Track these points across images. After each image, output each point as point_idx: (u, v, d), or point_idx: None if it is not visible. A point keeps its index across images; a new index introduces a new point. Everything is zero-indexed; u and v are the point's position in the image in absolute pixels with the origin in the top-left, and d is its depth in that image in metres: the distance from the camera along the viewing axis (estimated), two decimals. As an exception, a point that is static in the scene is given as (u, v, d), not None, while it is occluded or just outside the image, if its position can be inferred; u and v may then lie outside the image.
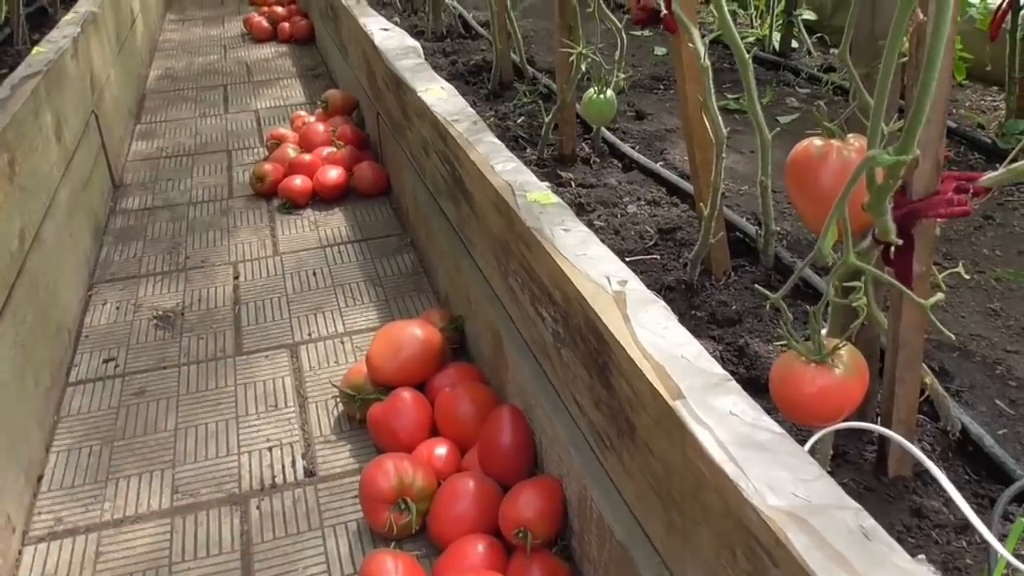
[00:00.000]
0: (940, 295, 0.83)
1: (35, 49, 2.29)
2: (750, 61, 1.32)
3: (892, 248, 0.91)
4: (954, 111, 2.26)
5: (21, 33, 2.96)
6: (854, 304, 0.84)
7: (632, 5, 1.45)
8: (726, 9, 1.32)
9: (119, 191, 2.71)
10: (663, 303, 1.08)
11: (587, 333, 1.12)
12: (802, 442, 0.91)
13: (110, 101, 2.91)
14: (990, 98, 2.30)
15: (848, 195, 0.77)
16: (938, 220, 0.88)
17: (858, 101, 0.88)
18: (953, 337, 0.89)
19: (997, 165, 1.90)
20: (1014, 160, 0.84)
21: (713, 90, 1.36)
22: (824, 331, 1.06)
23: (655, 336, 1.01)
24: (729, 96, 2.34)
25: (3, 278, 1.54)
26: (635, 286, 1.11)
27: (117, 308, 2.05)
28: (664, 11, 1.38)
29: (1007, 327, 1.34)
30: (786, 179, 0.96)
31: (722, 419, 0.87)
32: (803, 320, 1.36)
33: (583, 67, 1.82)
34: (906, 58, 0.92)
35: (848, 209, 0.83)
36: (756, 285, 1.14)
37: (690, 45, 1.35)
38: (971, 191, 0.89)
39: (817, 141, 0.91)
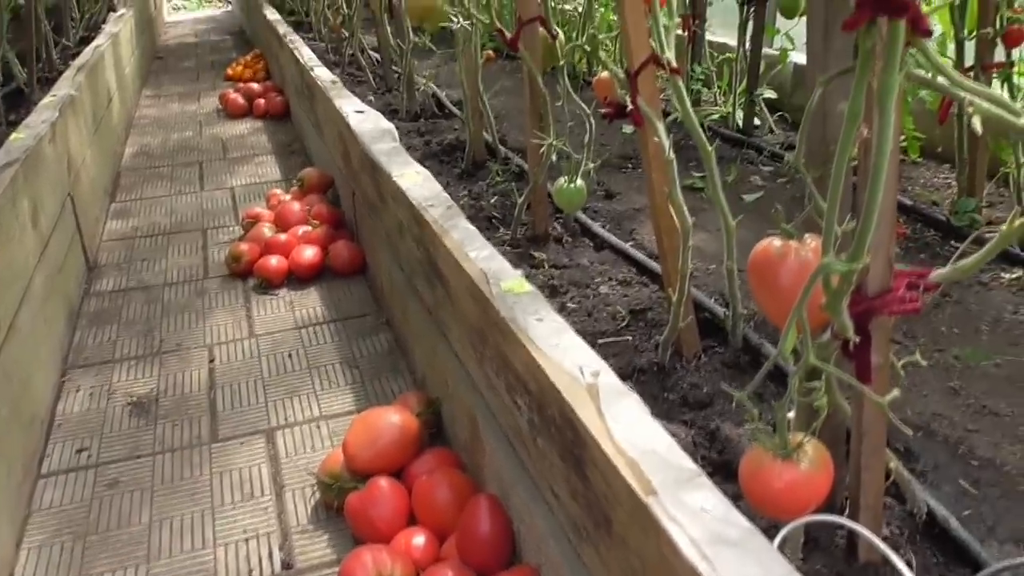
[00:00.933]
0: (895, 392, 0.86)
1: (13, 135, 2.32)
2: (713, 153, 1.38)
3: (851, 342, 0.94)
4: (909, 188, 2.35)
5: (-2, 115, 3.00)
6: (815, 405, 0.87)
7: (601, 101, 1.51)
8: (688, 104, 1.38)
9: (93, 273, 2.71)
10: (636, 395, 1.10)
11: (562, 425, 1.14)
12: (772, 534, 0.93)
13: (86, 182, 2.93)
14: (943, 175, 2.40)
15: (806, 300, 0.81)
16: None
17: (813, 204, 0.93)
18: (910, 432, 0.92)
19: (952, 242, 1.98)
20: (971, 245, 0.89)
21: (678, 179, 1.41)
22: (792, 412, 1.10)
23: (628, 430, 1.03)
24: (695, 175, 2.42)
25: (-24, 373, 1.53)
26: (608, 378, 1.14)
27: (90, 395, 2.03)
28: (630, 106, 1.44)
29: (967, 405, 1.38)
30: (748, 277, 1.01)
31: (694, 516, 0.89)
32: (772, 401, 1.40)
33: (559, 152, 1.88)
34: (856, 162, 0.98)
35: (807, 308, 0.87)
36: (723, 384, 1.17)
37: (655, 139, 1.41)
38: (922, 287, 0.94)
39: (776, 242, 0.96)
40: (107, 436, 1.88)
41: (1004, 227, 0.85)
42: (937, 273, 0.92)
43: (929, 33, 0.72)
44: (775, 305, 0.98)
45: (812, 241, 0.95)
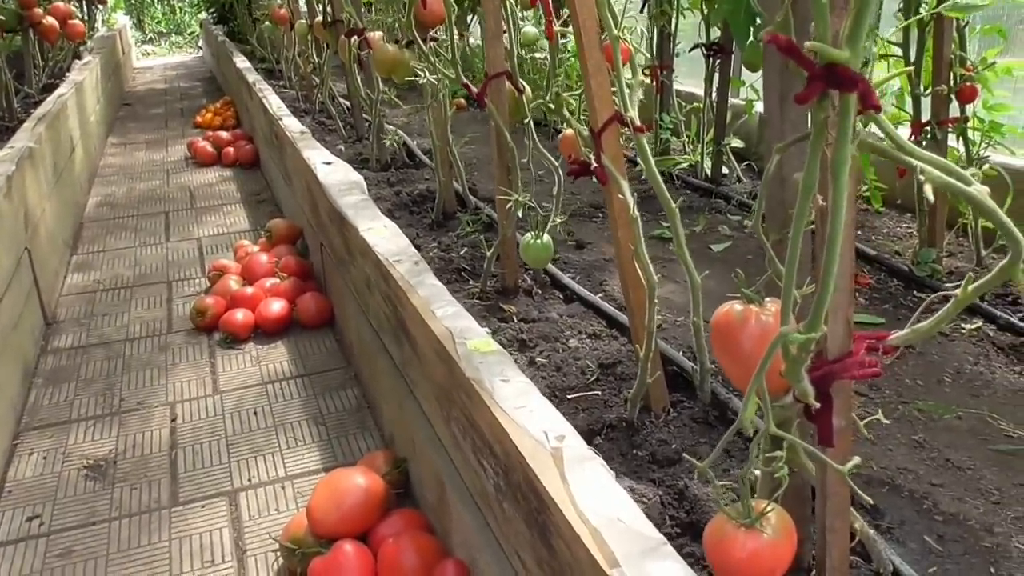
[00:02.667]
0: (855, 460, 0.86)
1: (-31, 190, 2.28)
2: (677, 211, 1.39)
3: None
4: (872, 238, 2.39)
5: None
6: (775, 476, 0.87)
7: (566, 158, 1.52)
8: (652, 162, 1.39)
9: (51, 328, 2.65)
10: (600, 460, 1.09)
11: (527, 491, 1.12)
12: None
13: (45, 235, 2.88)
14: (905, 225, 2.44)
15: (765, 369, 0.81)
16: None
17: (772, 270, 0.94)
18: (871, 502, 0.92)
19: (914, 292, 2.01)
20: (937, 300, 0.89)
21: (642, 236, 1.42)
22: (758, 472, 1.09)
23: (592, 497, 1.02)
24: (664, 224, 2.44)
25: (-78, 440, 1.48)
26: (573, 442, 1.12)
27: (44, 458, 1.97)
28: (595, 164, 1.45)
29: (931, 459, 1.38)
30: (711, 340, 1.00)
31: (661, 588, 0.88)
32: (741, 457, 1.39)
33: (519, 213, 1.89)
34: (813, 226, 0.99)
35: (768, 374, 0.87)
36: (684, 453, 1.17)
37: (619, 196, 1.42)
38: (882, 350, 0.94)
39: (737, 306, 0.96)
40: (60, 502, 1.81)
41: (959, 292, 0.86)
42: (895, 336, 0.93)
43: (878, 108, 0.74)
44: (737, 369, 0.97)
45: (773, 305, 0.95)
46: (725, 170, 2.96)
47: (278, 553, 1.61)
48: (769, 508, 0.89)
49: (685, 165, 3.08)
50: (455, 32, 1.90)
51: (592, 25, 1.41)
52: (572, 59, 3.21)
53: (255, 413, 2.13)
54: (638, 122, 1.38)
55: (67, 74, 4.78)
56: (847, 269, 0.94)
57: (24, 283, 2.47)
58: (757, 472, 1.28)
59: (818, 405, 0.90)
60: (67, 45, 4.98)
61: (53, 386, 2.29)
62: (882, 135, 0.84)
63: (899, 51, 2.08)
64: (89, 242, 3.47)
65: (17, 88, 4.07)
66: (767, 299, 0.97)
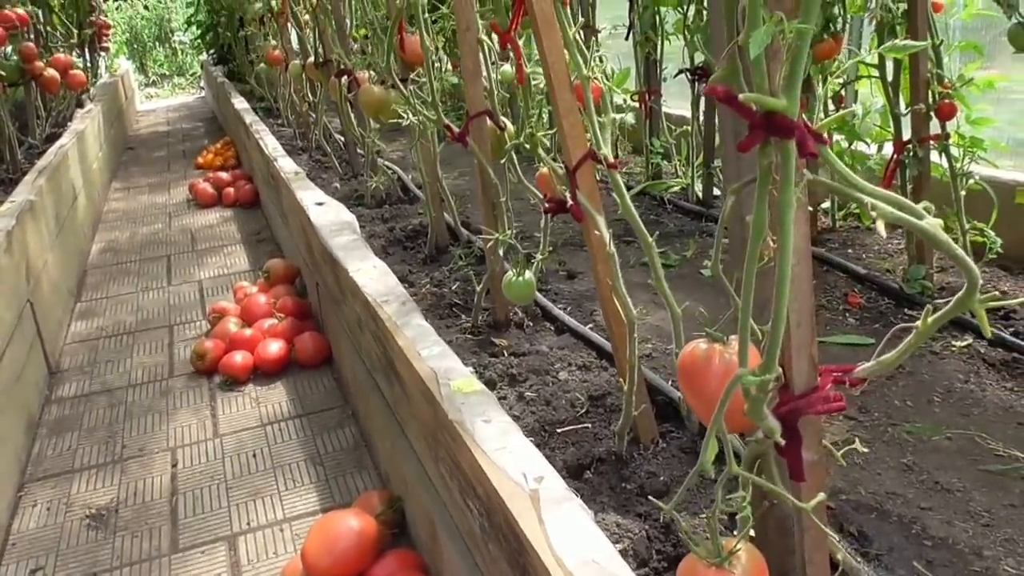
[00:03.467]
0: (821, 495, 0.87)
1: (-32, 249, 2.32)
2: (654, 243, 1.40)
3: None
4: (863, 256, 2.39)
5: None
6: (739, 516, 0.87)
7: (543, 197, 1.54)
8: (627, 198, 1.41)
9: (55, 378, 2.68)
10: (579, 501, 1.10)
11: (507, 533, 1.13)
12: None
13: (48, 285, 2.92)
14: (895, 241, 2.45)
15: (723, 410, 0.82)
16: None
17: (734, 308, 0.95)
18: (839, 545, 0.93)
19: (906, 309, 2.01)
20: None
21: (619, 273, 1.43)
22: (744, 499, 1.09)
23: (569, 539, 1.02)
24: (658, 248, 2.45)
25: (-79, 500, 1.50)
26: (551, 484, 1.13)
27: (48, 509, 1.99)
28: (571, 201, 1.47)
29: (920, 482, 1.38)
30: (679, 378, 1.01)
31: (636, 630, 0.88)
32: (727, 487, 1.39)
33: (501, 252, 1.91)
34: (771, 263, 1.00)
35: (732, 415, 0.88)
36: (661, 506, 1.17)
37: (596, 233, 1.44)
38: (848, 383, 0.95)
39: (702, 345, 0.97)
40: (63, 553, 1.83)
41: (919, 324, 0.87)
42: (862, 368, 0.94)
43: (815, 155, 0.75)
44: (704, 408, 0.98)
45: (737, 344, 0.96)
46: (717, 192, 2.98)
47: (275, 599, 1.62)
48: (738, 548, 0.89)
49: (676, 188, 3.09)
50: (432, 74, 1.93)
51: (561, 67, 1.44)
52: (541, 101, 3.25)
53: (254, 455, 2.15)
54: (611, 159, 1.40)
55: (69, 123, 4.86)
56: (807, 305, 0.95)
57: (27, 335, 2.50)
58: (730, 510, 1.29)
59: (783, 442, 0.91)
60: (69, 94, 5.07)
61: (57, 436, 2.32)
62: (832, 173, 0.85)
63: (877, 72, 2.10)
64: (93, 289, 3.52)
65: (20, 140, 4.14)
66: (730, 337, 0.98)
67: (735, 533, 0.93)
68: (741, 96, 0.74)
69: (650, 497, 1.41)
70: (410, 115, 2.11)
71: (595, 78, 1.46)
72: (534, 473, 1.15)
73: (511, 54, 1.82)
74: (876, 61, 2.04)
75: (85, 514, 1.96)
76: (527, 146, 1.53)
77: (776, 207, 0.82)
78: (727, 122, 0.99)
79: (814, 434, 0.99)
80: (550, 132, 1.67)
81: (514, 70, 2.27)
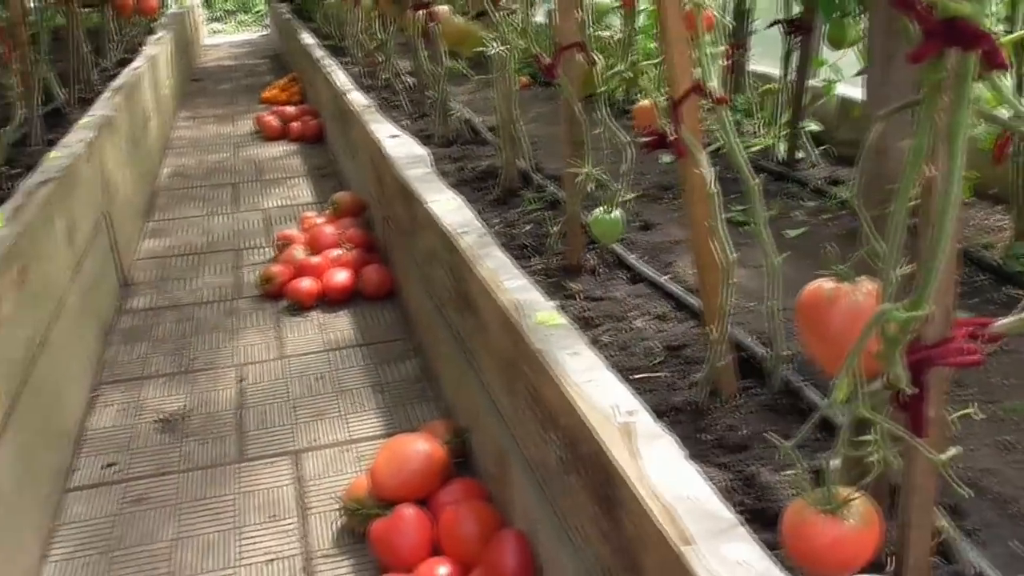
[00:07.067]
0: (955, 450, 0.82)
1: (51, 154, 2.35)
2: (757, 187, 1.35)
3: (902, 393, 0.90)
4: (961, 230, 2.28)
5: (36, 134, 3.04)
6: (868, 460, 0.83)
7: (641, 131, 1.49)
8: (734, 134, 1.36)
9: (127, 290, 2.73)
10: (671, 437, 1.07)
11: (594, 464, 1.10)
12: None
13: (122, 201, 2.96)
14: (996, 217, 2.33)
15: (861, 349, 0.77)
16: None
17: (868, 247, 0.89)
18: (969, 494, 0.88)
19: (1004, 288, 1.91)
20: None
21: (720, 213, 1.38)
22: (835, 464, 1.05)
23: (663, 474, 1.00)
24: (735, 208, 2.38)
25: (9, 386, 1.54)
26: (643, 418, 1.10)
27: (120, 411, 2.03)
28: (672, 135, 1.42)
29: (1019, 462, 1.31)
30: (796, 319, 0.97)
31: (732, 570, 0.85)
32: (809, 448, 1.34)
33: (587, 188, 1.86)
34: (917, 201, 0.94)
35: (843, 357, 0.83)
36: (769, 434, 1.13)
37: (697, 171, 1.38)
38: (983, 338, 0.89)
39: (827, 284, 0.92)
40: (135, 451, 1.87)
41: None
42: (1000, 323, 0.88)
43: (1005, 66, 0.69)
44: (823, 350, 0.94)
45: (866, 284, 0.91)
46: (800, 154, 2.87)
47: (340, 512, 1.63)
48: (854, 496, 0.85)
49: (757, 148, 2.99)
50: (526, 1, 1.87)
51: (675, -7, 1.37)
52: (641, 36, 3.14)
53: (318, 378, 2.17)
54: (720, 92, 1.34)
55: (141, 49, 4.90)
56: (951, 250, 0.89)
57: (103, 246, 2.54)
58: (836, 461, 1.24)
59: (913, 391, 0.86)
60: (141, 20, 5.11)
61: (128, 344, 2.36)
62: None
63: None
64: (162, 210, 3.57)
65: (95, 61, 4.19)
66: (859, 278, 0.93)
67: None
68: (926, -2, 0.68)
69: (767, 435, 1.37)
70: (497, 44, 2.05)
71: (708, 6, 1.40)
72: (625, 407, 1.12)
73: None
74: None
75: (155, 418, 2.00)
76: (628, 76, 1.47)
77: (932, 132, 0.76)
78: (877, 43, 0.93)
79: (939, 390, 0.93)
80: (653, 62, 1.60)
81: (609, 1, 2.19)
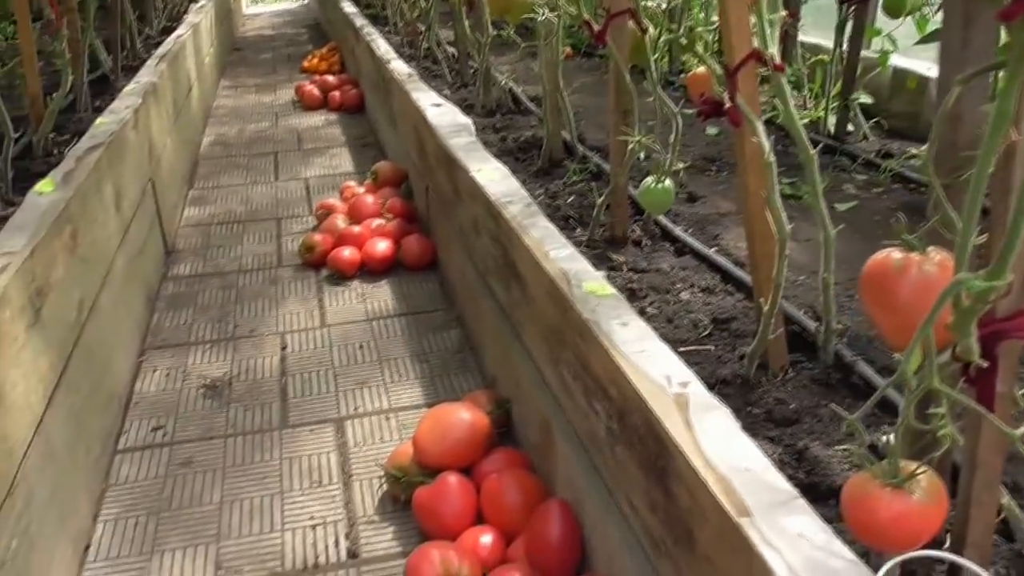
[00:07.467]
0: (1027, 427, 0.79)
1: (98, 120, 2.37)
2: (815, 156, 1.31)
3: (972, 366, 0.87)
4: None
5: (84, 101, 3.08)
6: (939, 434, 0.80)
7: (695, 99, 1.45)
8: (791, 103, 1.32)
9: (171, 257, 2.77)
10: (727, 409, 1.05)
11: (645, 434, 1.09)
12: (870, 566, 0.86)
13: (166, 168, 2.99)
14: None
15: (934, 319, 0.75)
16: (1024, 340, 0.85)
17: (940, 215, 0.86)
18: (1007, 498, 0.85)
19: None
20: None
21: (776, 183, 1.34)
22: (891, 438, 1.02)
23: (719, 445, 0.98)
24: (784, 181, 2.33)
25: (61, 350, 1.56)
26: (697, 389, 1.09)
27: (167, 376, 2.07)
28: (728, 104, 1.38)
29: (1085, 440, 1.27)
30: (860, 290, 0.94)
31: (792, 542, 0.84)
32: (864, 424, 1.31)
33: (640, 155, 1.83)
34: (991, 169, 0.90)
35: (913, 328, 0.80)
36: (832, 405, 1.11)
37: (754, 139, 1.35)
38: (1058, 310, 0.86)
39: (896, 254, 0.89)
40: (182, 416, 1.90)
41: None
42: (1075, 295, 0.84)
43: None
44: (890, 320, 0.91)
45: (936, 255, 0.88)
46: (850, 127, 2.80)
47: (383, 479, 1.65)
48: (920, 470, 0.83)
49: (806, 121, 2.92)
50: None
51: (735, -45, 1.33)
52: (694, 7, 3.08)
53: (360, 347, 2.18)
54: (778, 60, 1.30)
55: (184, 17, 4.93)
56: (1027, 217, 0.86)
57: (148, 212, 2.57)
58: (886, 438, 1.21)
59: (984, 364, 0.83)
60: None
61: (173, 310, 2.40)
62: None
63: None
64: (204, 178, 3.60)
65: (139, 29, 4.22)
66: (930, 248, 0.90)
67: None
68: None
69: (830, 406, 1.35)
70: (546, 11, 2.02)
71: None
72: (678, 378, 1.10)
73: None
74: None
75: (201, 384, 2.02)
76: (683, 42, 1.43)
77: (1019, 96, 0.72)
78: (958, 6, 0.89)
79: (1011, 364, 0.90)
80: (709, 28, 1.56)
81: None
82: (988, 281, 0.72)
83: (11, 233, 1.54)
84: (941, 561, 1.12)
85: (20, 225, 1.58)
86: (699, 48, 1.44)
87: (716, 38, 1.62)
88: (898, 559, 0.88)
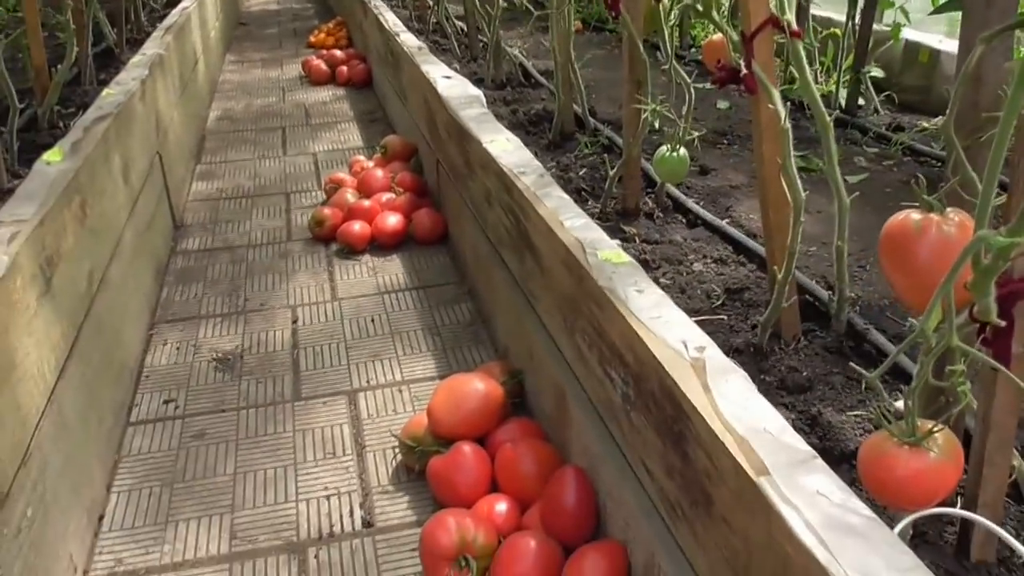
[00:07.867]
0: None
1: (105, 91, 2.36)
2: (831, 124, 1.31)
3: (989, 327, 0.87)
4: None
5: (89, 73, 3.07)
6: (959, 391, 0.81)
7: (711, 65, 1.45)
8: (808, 70, 1.31)
9: (180, 231, 2.77)
10: (743, 373, 1.05)
11: (662, 399, 1.10)
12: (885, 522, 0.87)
13: (173, 142, 2.99)
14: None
15: (955, 277, 0.75)
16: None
17: (960, 176, 0.86)
18: (1018, 460, 0.86)
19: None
20: None
21: (792, 151, 1.34)
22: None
23: (737, 408, 0.98)
24: (798, 152, 2.32)
25: (72, 320, 1.57)
26: (713, 353, 1.09)
27: (177, 349, 2.08)
28: (744, 71, 1.37)
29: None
30: (879, 251, 0.94)
31: (810, 499, 0.84)
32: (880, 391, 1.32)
33: (655, 124, 1.82)
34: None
35: (932, 288, 0.80)
36: (852, 364, 1.11)
37: (770, 106, 1.34)
38: (1077, 271, 0.86)
39: (915, 215, 0.89)
40: (193, 389, 1.92)
41: None
42: (1095, 256, 0.84)
43: None
44: (908, 282, 0.91)
45: (956, 216, 0.88)
46: (861, 101, 2.78)
47: (396, 450, 1.66)
48: (937, 428, 0.83)
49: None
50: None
51: (753, -81, 1.32)
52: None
53: (372, 320, 2.18)
54: (795, 26, 1.30)
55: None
56: (1050, 177, 0.86)
57: (156, 186, 2.57)
58: (901, 401, 1.22)
59: (1002, 324, 0.83)
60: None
61: (183, 284, 2.40)
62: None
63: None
64: (211, 153, 3.59)
65: (143, 2, 4.20)
66: (949, 209, 0.90)
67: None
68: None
69: (847, 371, 1.35)
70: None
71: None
72: (695, 343, 1.11)
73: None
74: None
75: (212, 357, 2.03)
76: (699, 8, 1.42)
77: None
78: (982, -36, 0.88)
79: (1028, 323, 0.90)
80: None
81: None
82: (1010, 237, 0.72)
83: (20, 201, 1.54)
84: (952, 523, 1.14)
85: (29, 194, 1.58)
86: (714, 15, 1.43)
87: (732, 3, 1.61)
88: (916, 515, 0.89)
